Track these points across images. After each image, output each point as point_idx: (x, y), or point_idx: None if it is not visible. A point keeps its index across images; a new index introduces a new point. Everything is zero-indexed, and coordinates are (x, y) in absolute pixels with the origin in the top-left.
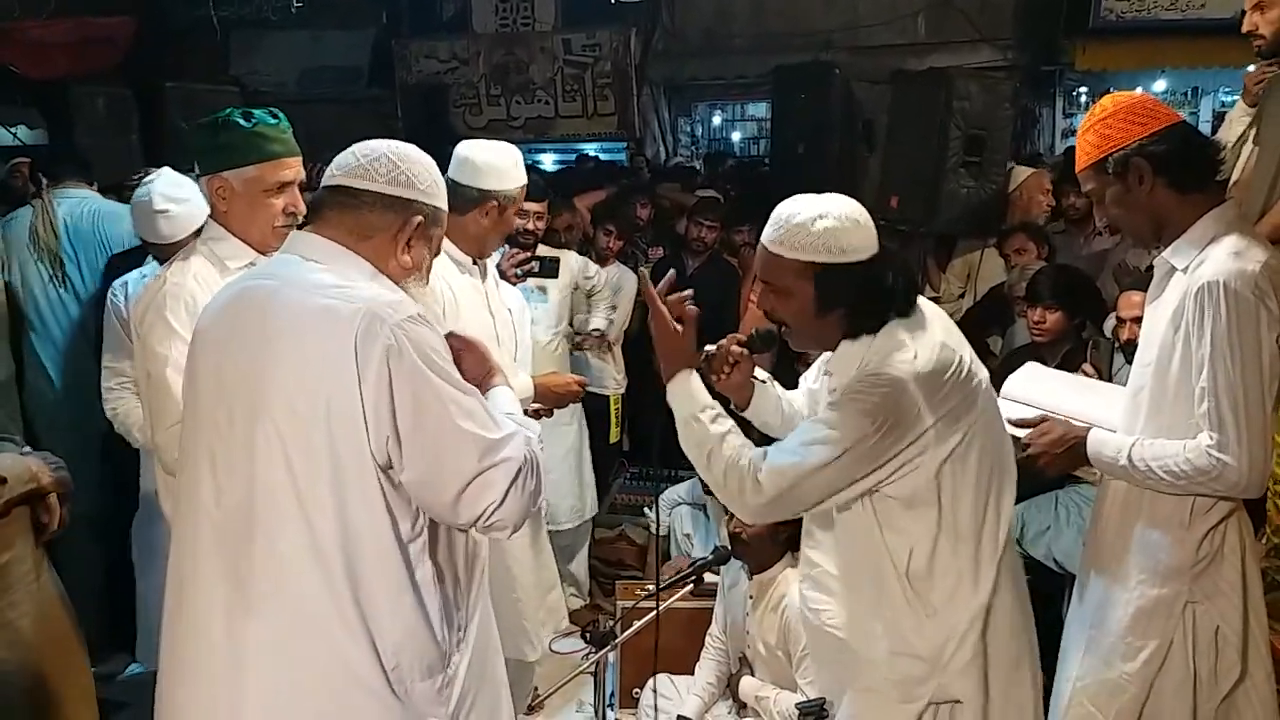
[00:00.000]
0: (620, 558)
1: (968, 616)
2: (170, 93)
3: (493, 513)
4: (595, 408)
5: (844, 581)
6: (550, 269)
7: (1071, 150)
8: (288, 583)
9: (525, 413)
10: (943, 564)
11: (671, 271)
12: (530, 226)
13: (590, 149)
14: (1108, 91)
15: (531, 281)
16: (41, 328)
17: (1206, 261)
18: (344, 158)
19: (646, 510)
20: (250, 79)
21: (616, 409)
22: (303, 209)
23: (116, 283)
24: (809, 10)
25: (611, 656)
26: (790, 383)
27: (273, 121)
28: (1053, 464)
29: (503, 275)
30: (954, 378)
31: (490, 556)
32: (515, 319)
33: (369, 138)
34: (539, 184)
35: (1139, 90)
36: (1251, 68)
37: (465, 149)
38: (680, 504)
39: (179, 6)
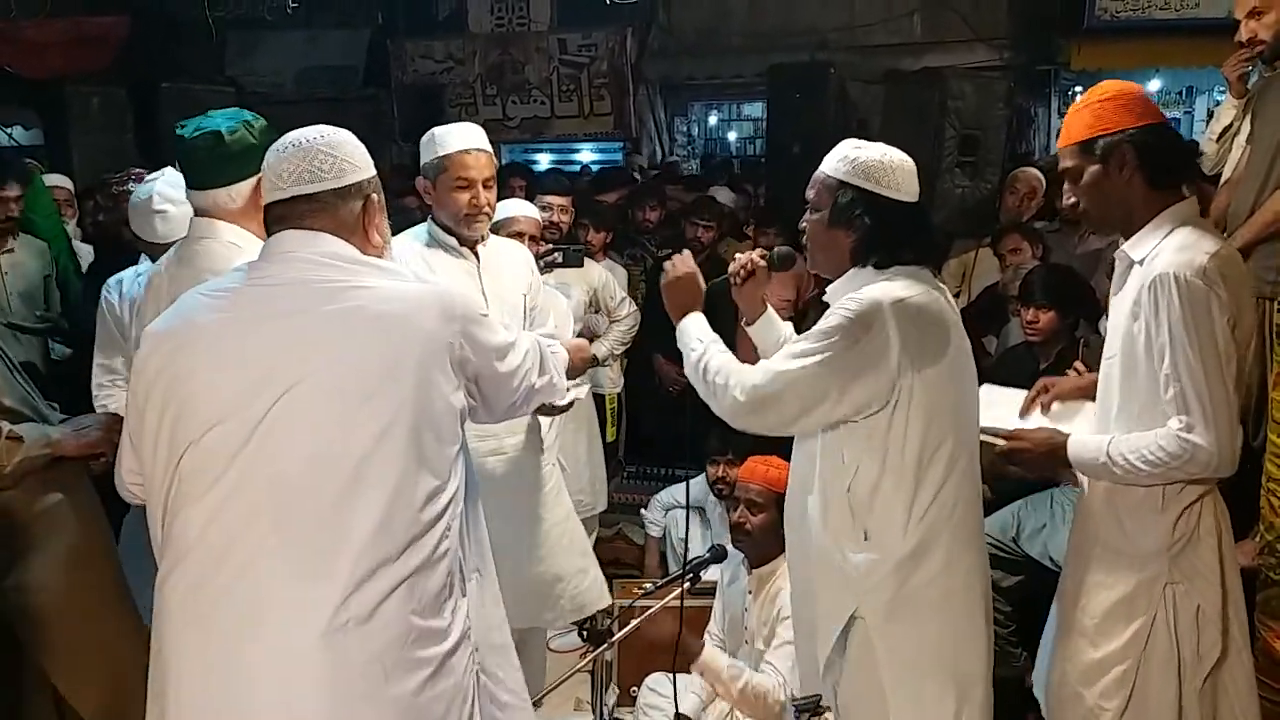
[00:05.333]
0: (618, 557)
1: (892, 557)
2: (165, 92)
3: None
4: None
5: (819, 490)
6: (575, 258)
7: None
8: (331, 545)
9: None
10: (883, 496)
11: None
12: (555, 219)
13: (586, 149)
14: None
15: (554, 275)
16: None
17: (1159, 255)
18: (282, 165)
19: (644, 510)
20: (246, 79)
21: (613, 408)
22: None
23: (111, 280)
24: (805, 10)
25: (609, 654)
26: None
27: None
28: (1032, 462)
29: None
30: (931, 323)
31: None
32: (552, 320)
33: (364, 137)
34: (561, 180)
35: None
36: (1229, 61)
37: None
38: (676, 506)
39: (175, 6)
